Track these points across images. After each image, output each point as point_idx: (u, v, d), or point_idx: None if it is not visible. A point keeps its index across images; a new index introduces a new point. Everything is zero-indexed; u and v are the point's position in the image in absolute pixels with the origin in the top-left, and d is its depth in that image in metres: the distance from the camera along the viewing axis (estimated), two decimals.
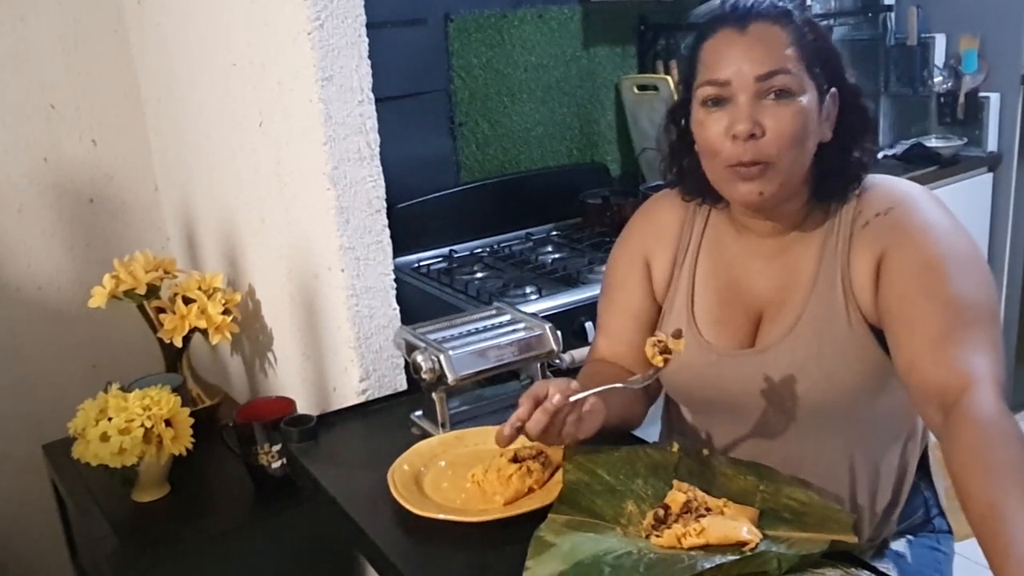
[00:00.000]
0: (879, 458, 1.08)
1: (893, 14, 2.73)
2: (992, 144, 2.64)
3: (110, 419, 1.30)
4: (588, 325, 1.62)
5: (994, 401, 0.80)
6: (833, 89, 1.00)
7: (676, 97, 2.17)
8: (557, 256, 1.97)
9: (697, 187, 1.08)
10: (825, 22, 2.68)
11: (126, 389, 1.39)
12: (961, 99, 2.64)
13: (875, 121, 1.05)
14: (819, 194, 1.03)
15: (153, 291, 1.57)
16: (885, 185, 1.03)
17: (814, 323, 1.01)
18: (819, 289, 1.01)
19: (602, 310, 1.20)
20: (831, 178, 1.02)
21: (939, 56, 2.68)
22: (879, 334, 0.98)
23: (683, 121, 1.06)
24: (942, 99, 2.69)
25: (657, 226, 1.16)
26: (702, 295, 1.10)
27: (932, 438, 1.15)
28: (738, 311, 1.07)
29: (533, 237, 2.12)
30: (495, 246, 2.07)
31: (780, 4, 0.99)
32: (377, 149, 1.27)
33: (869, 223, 1.00)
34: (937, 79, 2.67)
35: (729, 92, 0.97)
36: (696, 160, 1.04)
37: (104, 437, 1.29)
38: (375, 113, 1.27)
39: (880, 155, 2.70)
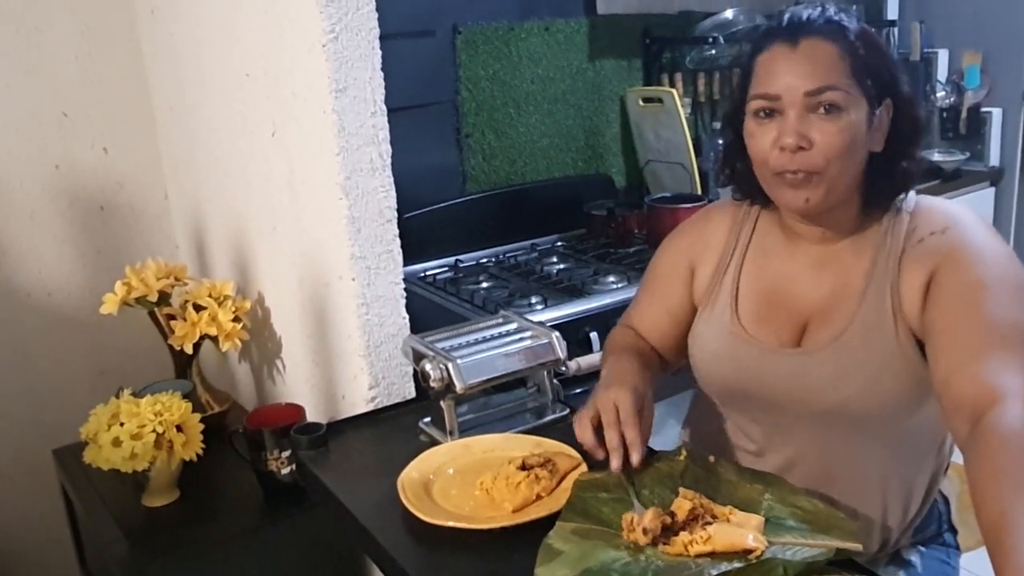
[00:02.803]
0: (912, 471, 1.10)
1: (896, 29, 2.76)
2: (994, 159, 2.67)
3: (122, 424, 1.32)
4: (593, 335, 1.64)
5: (1022, 417, 0.81)
6: (888, 100, 1.02)
7: (679, 109, 2.19)
8: (562, 267, 1.99)
9: (748, 188, 1.12)
10: None
11: (137, 395, 1.40)
12: (963, 114, 2.66)
13: (923, 128, 1.07)
14: (868, 202, 1.06)
15: (164, 298, 1.59)
16: (941, 206, 1.06)
17: (863, 332, 1.02)
18: (869, 300, 1.03)
19: (642, 294, 1.25)
20: (879, 186, 1.04)
21: (942, 71, 2.70)
22: (923, 348, 0.99)
23: (738, 126, 1.08)
24: (945, 114, 2.72)
25: (707, 235, 1.19)
26: (746, 295, 1.12)
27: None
28: (782, 313, 1.09)
29: (538, 248, 2.13)
30: (500, 256, 2.08)
31: (835, 17, 1.01)
32: (389, 160, 1.29)
33: (924, 240, 1.01)
34: (940, 94, 2.70)
35: (780, 106, 0.99)
36: (748, 163, 1.07)
37: (116, 442, 1.30)
38: (387, 124, 1.28)
39: None
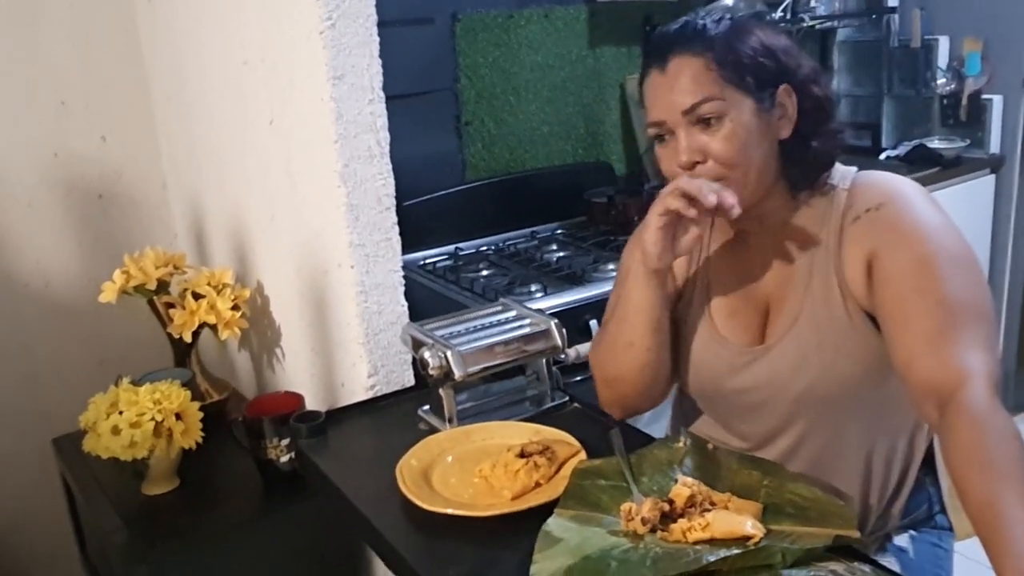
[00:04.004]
0: (892, 449, 1.10)
1: (897, 16, 2.75)
2: (994, 146, 2.66)
3: (121, 413, 1.32)
4: (593, 323, 1.64)
5: (989, 397, 0.82)
6: (783, 86, 1.02)
7: None
8: (562, 255, 1.99)
9: None
10: (828, 24, 2.70)
11: (136, 383, 1.40)
12: (964, 101, 2.65)
13: (833, 104, 1.07)
14: (793, 186, 1.06)
15: (163, 287, 1.59)
16: (877, 180, 1.05)
17: (813, 316, 1.03)
18: (814, 283, 1.04)
19: (615, 295, 1.21)
20: (796, 169, 1.05)
21: (942, 58, 2.69)
22: (876, 323, 0.99)
23: None
24: (945, 101, 2.71)
25: None
26: (718, 290, 1.13)
27: None
28: (748, 308, 1.10)
29: (538, 235, 2.13)
30: (500, 244, 2.08)
31: (699, 25, 1.02)
32: (387, 147, 1.29)
33: (859, 218, 1.01)
34: (940, 81, 2.69)
35: (666, 129, 1.02)
36: None
37: (115, 430, 1.30)
38: (385, 112, 1.28)
39: (883, 156, 2.72)
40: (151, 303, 1.61)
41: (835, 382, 1.02)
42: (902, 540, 1.13)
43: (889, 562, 1.09)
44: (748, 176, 1.00)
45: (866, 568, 0.79)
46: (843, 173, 1.07)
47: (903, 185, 1.03)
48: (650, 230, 1.02)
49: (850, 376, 1.02)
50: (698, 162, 1.00)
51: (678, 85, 0.99)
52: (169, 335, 1.59)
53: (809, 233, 1.05)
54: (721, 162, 0.99)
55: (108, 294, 1.55)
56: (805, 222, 1.06)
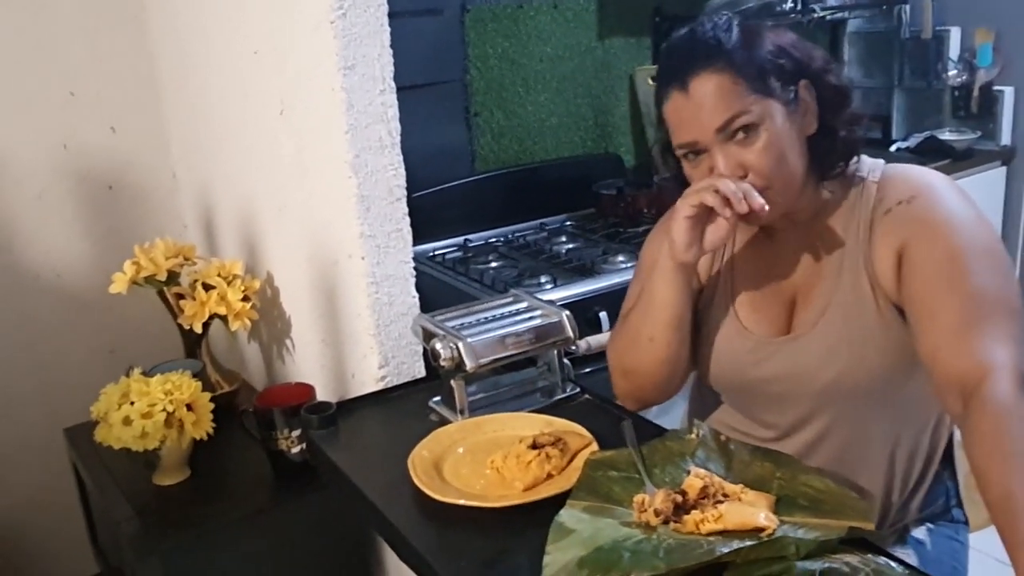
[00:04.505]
0: (916, 440, 1.10)
1: (908, 7, 2.72)
2: (1006, 138, 2.64)
3: (132, 403, 1.32)
4: (603, 315, 1.64)
5: (1013, 390, 0.82)
6: (802, 81, 1.02)
7: None
8: (571, 246, 1.98)
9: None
10: (839, 15, 2.68)
11: (147, 374, 1.41)
12: (975, 92, 2.63)
13: (849, 89, 1.06)
14: (822, 177, 1.06)
15: (173, 277, 1.59)
16: (908, 173, 1.04)
17: (843, 308, 1.02)
18: (844, 274, 1.03)
19: (634, 287, 1.21)
20: (826, 161, 1.04)
21: (954, 49, 2.67)
22: (905, 315, 0.99)
23: (675, 159, 1.08)
24: (956, 92, 2.69)
25: None
26: (742, 284, 1.12)
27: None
28: (774, 299, 1.09)
29: (547, 227, 2.13)
30: (509, 236, 2.08)
31: (710, 38, 1.00)
32: (398, 138, 1.28)
33: (891, 211, 1.01)
34: (951, 72, 2.67)
35: (700, 148, 1.00)
36: None
37: (126, 421, 1.31)
38: (396, 102, 1.27)
39: (893, 148, 2.71)
40: (161, 294, 1.61)
41: (863, 375, 1.02)
42: (920, 533, 1.13)
43: (908, 555, 1.09)
44: (788, 180, 1.00)
45: (881, 560, 0.79)
46: (871, 165, 1.07)
47: (934, 178, 1.03)
48: (678, 220, 1.01)
49: (878, 369, 1.02)
50: (740, 177, 0.99)
51: (707, 104, 0.98)
52: (179, 326, 1.59)
53: (838, 226, 1.05)
54: (762, 174, 0.98)
55: (119, 285, 1.55)
56: (834, 215, 1.06)
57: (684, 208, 1.00)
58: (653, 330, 1.09)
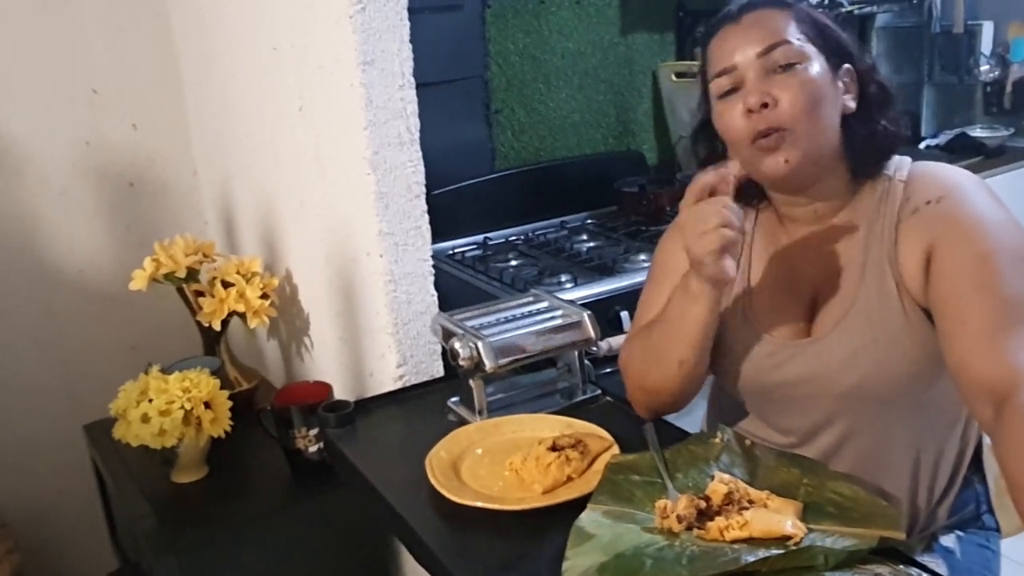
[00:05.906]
0: (941, 446, 1.07)
1: (939, 0, 2.67)
2: None
3: (151, 400, 1.32)
4: (624, 314, 1.61)
5: None
6: (847, 65, 1.01)
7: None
8: (592, 245, 1.96)
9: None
10: (868, 9, 2.63)
11: (166, 371, 1.40)
12: (1008, 88, 2.58)
13: (892, 91, 1.05)
14: (855, 169, 1.03)
15: (192, 274, 1.59)
16: (937, 172, 1.01)
17: (867, 311, 0.99)
18: (868, 276, 1.00)
19: (650, 293, 1.17)
20: (862, 148, 1.02)
21: (986, 44, 2.62)
22: (931, 317, 0.96)
23: (710, 136, 1.07)
24: (988, 88, 2.64)
25: None
26: (758, 289, 1.09)
27: None
28: (792, 301, 1.06)
29: (568, 225, 2.10)
30: (530, 234, 2.06)
31: None
32: (417, 134, 1.27)
33: (919, 210, 0.98)
34: (984, 67, 2.61)
35: (738, 76, 0.99)
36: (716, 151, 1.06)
37: (145, 418, 1.31)
38: (416, 98, 1.26)
39: (923, 145, 2.66)
40: (181, 291, 1.61)
41: (886, 379, 0.99)
42: (948, 541, 1.10)
43: (936, 564, 1.06)
44: (814, 135, 0.97)
45: (913, 572, 0.76)
46: (898, 163, 1.04)
47: (964, 178, 0.99)
48: (711, 257, 0.94)
49: (903, 374, 0.99)
50: (766, 105, 0.96)
51: (755, 29, 0.99)
52: (198, 323, 1.59)
53: (862, 224, 1.02)
54: (793, 108, 0.95)
55: (138, 282, 1.55)
56: (858, 212, 1.03)
57: (710, 243, 0.94)
58: (686, 353, 1.04)
